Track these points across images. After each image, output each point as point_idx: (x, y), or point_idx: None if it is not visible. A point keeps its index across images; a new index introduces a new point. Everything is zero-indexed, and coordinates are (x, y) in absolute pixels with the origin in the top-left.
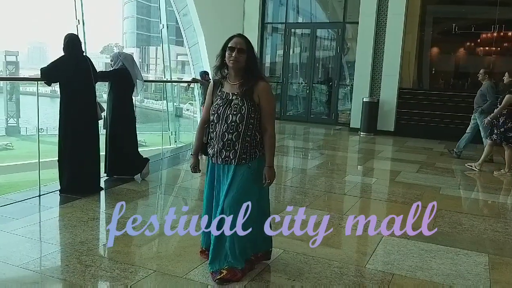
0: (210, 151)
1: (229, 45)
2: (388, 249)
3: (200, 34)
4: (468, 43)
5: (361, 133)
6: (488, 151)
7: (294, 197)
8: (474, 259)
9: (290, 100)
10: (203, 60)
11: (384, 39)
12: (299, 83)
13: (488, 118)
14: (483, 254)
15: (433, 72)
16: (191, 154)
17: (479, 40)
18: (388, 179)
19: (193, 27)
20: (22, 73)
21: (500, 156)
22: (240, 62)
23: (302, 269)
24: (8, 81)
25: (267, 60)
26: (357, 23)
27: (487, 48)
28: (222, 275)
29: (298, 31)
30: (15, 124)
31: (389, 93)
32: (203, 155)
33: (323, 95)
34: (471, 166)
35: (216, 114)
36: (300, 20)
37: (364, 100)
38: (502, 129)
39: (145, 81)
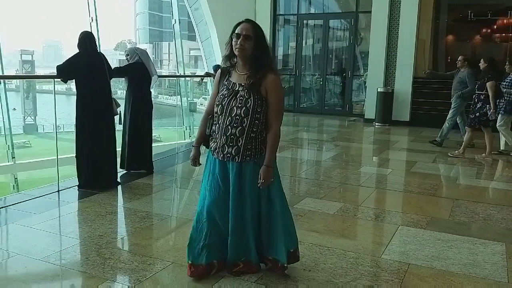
0: (212, 144)
1: (235, 32)
2: (404, 239)
3: (212, 28)
4: (484, 30)
5: (376, 123)
6: (489, 137)
7: (309, 189)
8: (491, 248)
9: (303, 92)
10: (216, 54)
11: (398, 28)
12: (312, 74)
13: (492, 110)
14: (500, 243)
15: (449, 60)
16: (192, 146)
17: (495, 27)
18: (403, 170)
19: (205, 21)
20: (38, 72)
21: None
22: (246, 50)
23: (317, 259)
24: (24, 80)
25: (280, 52)
26: (370, 12)
27: (503, 34)
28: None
29: (311, 22)
30: (33, 122)
31: (404, 83)
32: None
33: (337, 86)
34: (453, 154)
35: (220, 105)
36: (312, 11)
37: (379, 90)
38: (477, 114)
39: (159, 76)
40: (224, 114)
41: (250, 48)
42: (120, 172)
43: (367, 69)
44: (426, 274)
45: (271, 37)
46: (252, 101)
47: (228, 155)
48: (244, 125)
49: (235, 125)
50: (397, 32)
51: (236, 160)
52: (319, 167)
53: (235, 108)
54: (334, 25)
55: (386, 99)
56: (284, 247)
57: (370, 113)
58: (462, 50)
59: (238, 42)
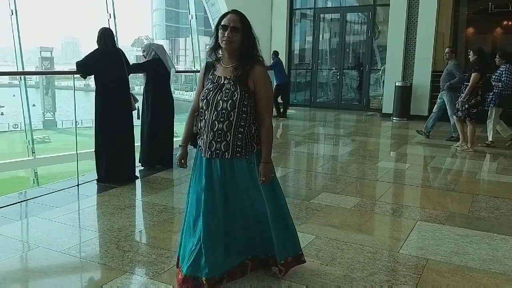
0: (200, 142)
1: (222, 23)
2: (422, 234)
3: None
4: (505, 22)
5: (394, 118)
6: (460, 127)
7: (326, 183)
8: (511, 244)
9: (320, 87)
10: None
11: (416, 21)
12: (329, 69)
13: (461, 98)
14: None
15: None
16: (179, 146)
17: None
18: (422, 165)
19: None
20: (57, 68)
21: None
22: (234, 42)
23: (334, 254)
24: (44, 76)
25: (297, 46)
26: (388, 5)
27: None
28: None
29: (328, 16)
30: (52, 118)
31: (422, 77)
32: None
33: (354, 80)
34: (459, 146)
35: (205, 100)
36: (329, 4)
37: (397, 84)
38: (466, 106)
39: (176, 71)
40: (210, 108)
41: (238, 41)
42: (138, 166)
43: (384, 63)
44: (444, 269)
45: (288, 32)
46: (238, 94)
47: (217, 151)
48: (231, 119)
49: (221, 119)
50: (416, 25)
51: (226, 157)
52: (336, 162)
53: (221, 101)
54: (351, 19)
55: (404, 93)
56: (296, 235)
57: (388, 108)
58: (482, 43)
59: (226, 34)
